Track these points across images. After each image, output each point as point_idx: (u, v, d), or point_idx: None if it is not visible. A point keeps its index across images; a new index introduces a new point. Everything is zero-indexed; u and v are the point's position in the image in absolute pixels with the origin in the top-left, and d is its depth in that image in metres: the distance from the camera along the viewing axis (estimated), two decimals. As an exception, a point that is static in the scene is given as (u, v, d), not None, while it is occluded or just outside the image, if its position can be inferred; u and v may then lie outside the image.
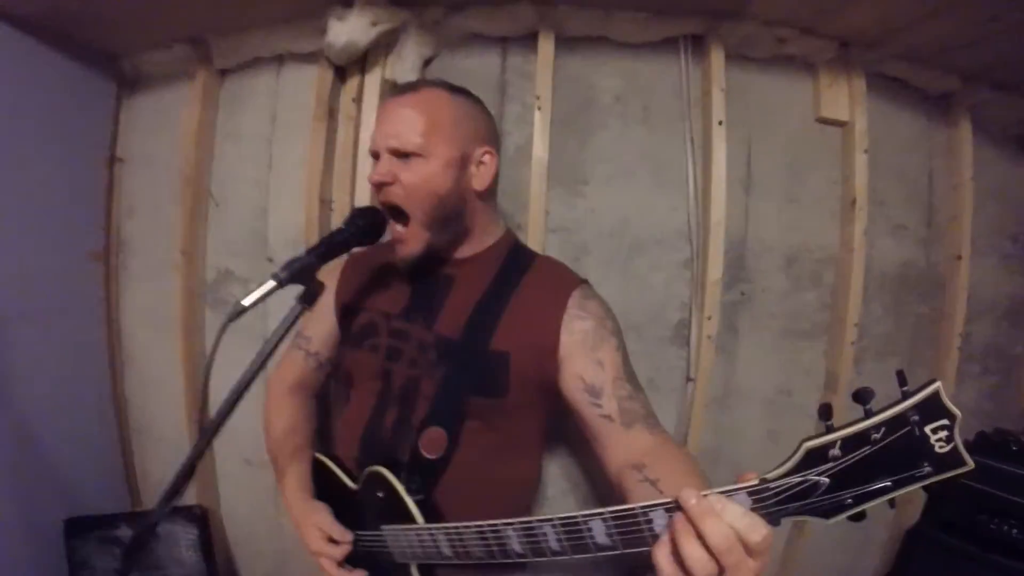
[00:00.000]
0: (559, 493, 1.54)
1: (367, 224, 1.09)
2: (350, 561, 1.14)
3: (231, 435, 1.79)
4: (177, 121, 1.87)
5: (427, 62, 1.63)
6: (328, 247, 1.04)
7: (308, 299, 1.01)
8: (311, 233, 1.64)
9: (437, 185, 1.09)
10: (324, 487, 1.21)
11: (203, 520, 1.87)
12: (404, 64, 1.61)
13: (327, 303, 1.25)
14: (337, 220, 1.66)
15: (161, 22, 1.77)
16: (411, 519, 1.04)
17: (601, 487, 1.55)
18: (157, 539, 1.84)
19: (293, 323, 1.02)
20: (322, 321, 1.25)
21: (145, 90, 1.99)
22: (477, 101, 1.20)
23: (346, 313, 1.24)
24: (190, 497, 1.91)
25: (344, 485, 1.16)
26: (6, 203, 1.70)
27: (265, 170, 1.78)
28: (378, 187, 1.10)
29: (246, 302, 0.93)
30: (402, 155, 1.08)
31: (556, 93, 1.58)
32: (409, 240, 1.11)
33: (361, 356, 1.18)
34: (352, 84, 1.67)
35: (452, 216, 1.13)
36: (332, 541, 1.14)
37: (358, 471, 1.14)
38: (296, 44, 1.71)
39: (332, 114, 1.68)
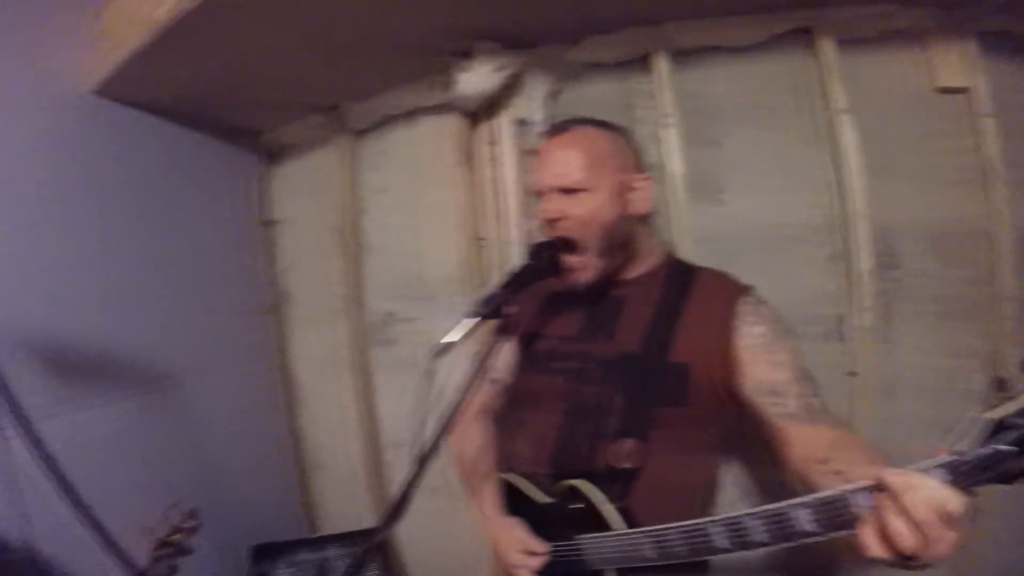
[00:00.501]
0: (733, 499, 1.56)
1: (550, 257, 1.19)
2: (542, 572, 1.19)
3: (407, 462, 1.93)
4: (322, 182, 2.07)
5: (552, 96, 1.73)
6: (519, 281, 1.15)
7: (504, 331, 1.10)
8: (467, 270, 1.78)
9: (604, 215, 1.18)
10: (511, 504, 1.28)
11: (383, 545, 2.00)
12: (531, 103, 1.72)
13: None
14: (491, 256, 1.77)
15: (299, 98, 1.99)
16: (609, 527, 1.10)
17: (771, 493, 1.57)
18: (341, 565, 1.98)
19: (490, 354, 1.11)
20: (503, 349, 1.34)
21: (289, 157, 2.22)
22: (623, 131, 1.29)
23: (525, 340, 1.33)
24: (369, 523, 2.05)
25: (533, 500, 1.23)
26: (181, 271, 1.96)
27: (414, 216, 1.94)
28: (550, 223, 1.20)
29: (451, 339, 1.04)
30: (568, 191, 1.18)
31: (679, 108, 1.64)
32: (584, 268, 1.20)
33: (544, 379, 1.26)
34: (485, 128, 1.79)
35: (620, 241, 1.22)
36: (529, 554, 1.19)
37: (547, 487, 1.21)
38: (425, 99, 1.87)
39: (469, 158, 1.81)
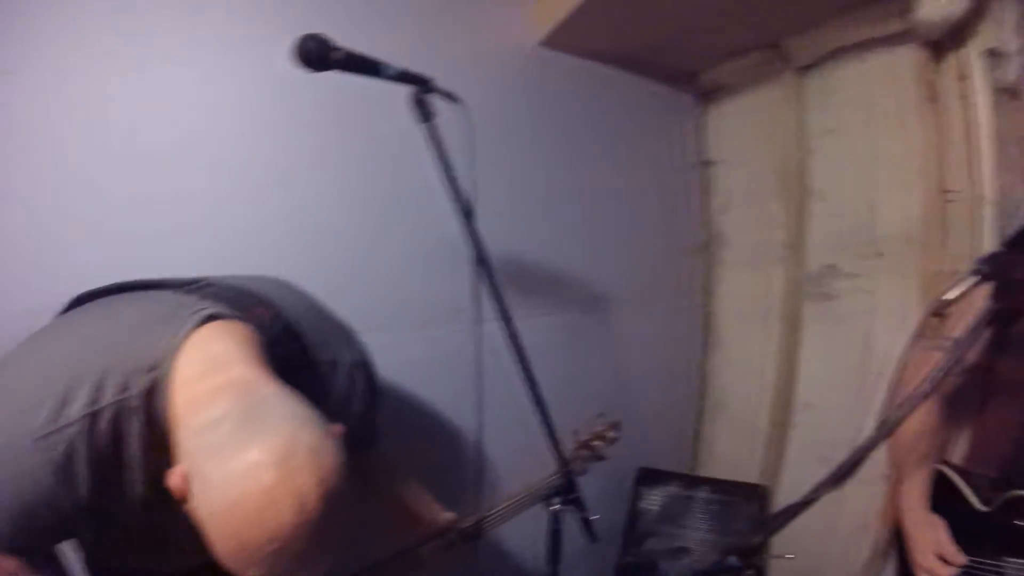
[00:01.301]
0: None
1: None
2: None
3: (813, 426, 1.88)
4: (764, 122, 2.03)
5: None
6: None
7: (1007, 296, 0.93)
8: (929, 226, 1.59)
9: None
10: (941, 501, 1.16)
11: (763, 499, 1.97)
12: (1005, 29, 1.43)
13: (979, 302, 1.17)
14: (959, 213, 1.54)
15: (738, 35, 1.95)
16: None
17: None
18: (705, 507, 2.00)
19: (974, 325, 0.95)
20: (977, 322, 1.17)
21: (726, 97, 2.22)
22: None
23: (1005, 315, 1.08)
24: (754, 476, 2.05)
25: (964, 502, 1.11)
26: (615, 208, 2.12)
27: (868, 162, 1.79)
28: None
29: (948, 296, 0.92)
30: None
31: None
32: None
33: (1020, 366, 1.09)
34: (952, 60, 1.55)
35: None
36: (943, 562, 1.09)
37: (987, 491, 1.08)
38: (876, 28, 1.68)
39: (934, 96, 1.59)
